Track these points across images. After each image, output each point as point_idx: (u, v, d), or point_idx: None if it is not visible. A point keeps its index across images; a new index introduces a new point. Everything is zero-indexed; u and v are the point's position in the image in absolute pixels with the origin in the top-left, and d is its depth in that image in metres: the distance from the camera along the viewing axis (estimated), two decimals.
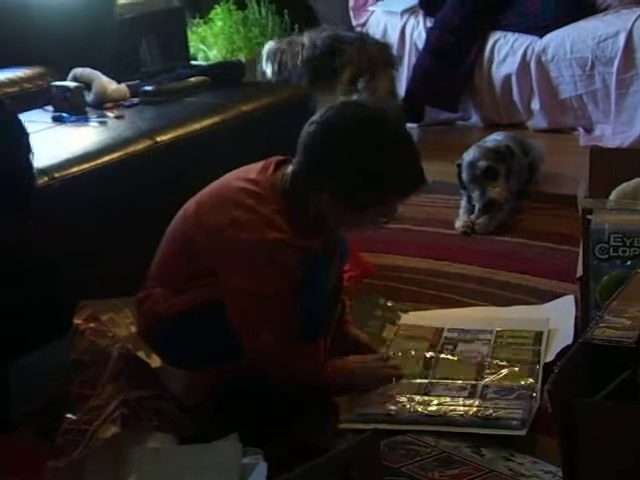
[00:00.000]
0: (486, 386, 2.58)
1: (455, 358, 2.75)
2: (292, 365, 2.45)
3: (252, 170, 2.51)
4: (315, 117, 2.45)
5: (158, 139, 3.06)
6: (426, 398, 2.54)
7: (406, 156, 2.43)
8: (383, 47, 5.18)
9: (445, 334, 2.89)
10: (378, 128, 2.42)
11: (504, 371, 2.65)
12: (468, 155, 3.99)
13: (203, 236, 2.45)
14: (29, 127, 3.20)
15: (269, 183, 2.45)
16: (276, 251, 2.37)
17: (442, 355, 2.76)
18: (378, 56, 5.05)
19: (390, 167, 2.40)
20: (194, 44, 5.38)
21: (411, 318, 3.02)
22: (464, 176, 3.97)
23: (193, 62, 4.71)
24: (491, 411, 2.43)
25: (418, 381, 2.64)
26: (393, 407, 2.50)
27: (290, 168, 2.47)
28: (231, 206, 2.42)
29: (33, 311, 2.65)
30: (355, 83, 4.94)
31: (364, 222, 2.56)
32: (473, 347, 2.81)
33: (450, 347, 2.81)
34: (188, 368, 2.57)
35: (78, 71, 3.50)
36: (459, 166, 3.99)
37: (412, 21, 5.67)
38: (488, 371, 2.66)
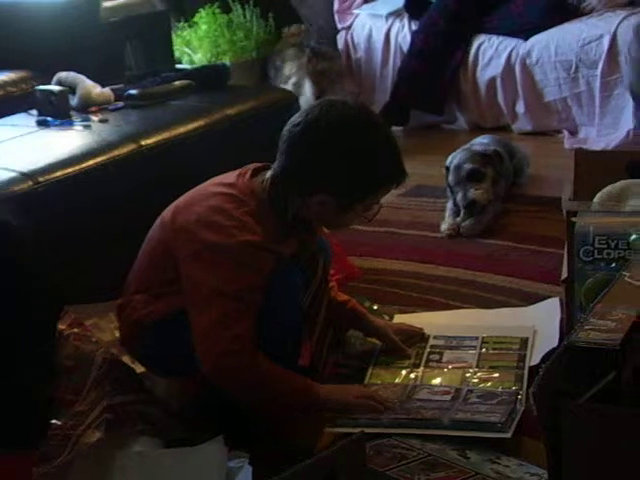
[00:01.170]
0: (470, 390, 2.58)
1: (442, 370, 2.74)
2: (254, 382, 2.39)
3: (229, 176, 2.50)
4: (298, 117, 2.42)
5: (143, 143, 3.06)
6: (409, 401, 2.55)
7: (391, 150, 2.44)
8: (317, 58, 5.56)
9: (431, 342, 2.88)
10: (365, 126, 2.41)
11: (490, 375, 2.65)
12: (455, 158, 4.00)
13: (178, 240, 2.44)
14: (13, 131, 3.20)
15: (247, 187, 2.44)
16: (245, 253, 2.35)
17: (428, 370, 2.74)
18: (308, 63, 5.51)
19: (379, 163, 2.40)
20: (179, 47, 5.38)
21: None
22: (450, 179, 3.97)
23: (178, 66, 4.72)
24: (468, 414, 2.43)
25: (402, 384, 2.65)
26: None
27: (269, 173, 2.46)
28: (206, 209, 2.41)
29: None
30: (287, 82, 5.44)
31: (348, 220, 2.53)
32: (459, 354, 2.80)
33: (436, 356, 2.81)
34: (170, 375, 2.56)
35: (62, 75, 3.49)
36: (447, 169, 3.99)
37: (397, 24, 5.68)
38: (474, 376, 2.66)
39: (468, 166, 3.93)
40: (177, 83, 3.62)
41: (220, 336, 2.33)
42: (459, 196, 3.92)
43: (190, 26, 5.60)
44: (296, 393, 2.44)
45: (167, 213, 2.53)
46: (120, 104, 3.46)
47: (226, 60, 5.30)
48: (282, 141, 2.42)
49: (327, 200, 2.40)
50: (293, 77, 5.50)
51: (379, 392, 2.59)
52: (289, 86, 5.38)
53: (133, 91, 3.49)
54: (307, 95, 5.39)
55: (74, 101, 3.41)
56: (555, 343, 2.70)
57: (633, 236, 2.52)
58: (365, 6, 5.89)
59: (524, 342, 2.80)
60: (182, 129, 3.22)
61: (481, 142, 4.20)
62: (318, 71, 5.53)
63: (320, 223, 2.54)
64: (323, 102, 2.47)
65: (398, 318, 3.06)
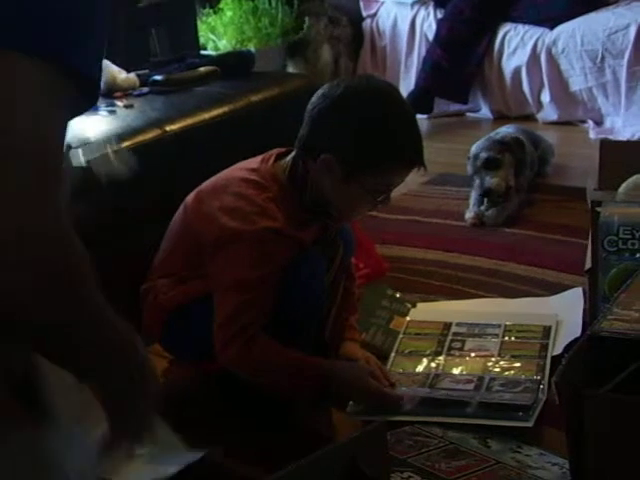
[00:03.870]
0: (493, 379, 2.58)
1: (463, 359, 2.74)
2: (262, 367, 2.38)
3: (253, 162, 2.50)
4: (324, 88, 2.43)
5: (167, 128, 3.06)
6: (432, 390, 2.55)
7: (410, 130, 2.41)
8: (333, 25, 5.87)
9: (453, 329, 2.88)
10: (387, 97, 2.40)
11: (512, 365, 2.65)
12: (475, 146, 3.99)
13: (201, 226, 2.45)
14: None
15: (269, 173, 2.44)
16: (265, 240, 2.34)
17: (449, 359, 2.74)
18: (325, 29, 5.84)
19: (393, 135, 2.36)
20: (204, 34, 5.39)
21: (420, 314, 3.01)
22: (469, 168, 3.97)
23: (203, 52, 4.72)
24: (495, 401, 2.43)
25: (424, 373, 2.65)
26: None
27: (292, 154, 2.47)
28: (229, 195, 2.42)
29: None
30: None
31: (355, 196, 2.44)
32: (481, 342, 2.80)
33: (458, 344, 2.81)
34: (193, 360, 2.57)
35: None
36: (469, 158, 3.99)
37: (422, 12, 5.68)
38: (496, 365, 2.66)
39: (484, 155, 3.92)
40: (202, 69, 3.62)
41: (232, 325, 2.34)
42: (476, 185, 3.91)
43: (215, 12, 5.60)
44: (304, 371, 2.40)
45: (191, 198, 2.54)
46: (145, 90, 3.46)
47: (251, 47, 5.31)
48: (305, 112, 2.43)
49: (333, 163, 2.36)
50: (312, 43, 5.69)
51: (401, 381, 2.59)
52: (309, 51, 5.65)
53: (158, 77, 3.50)
54: (325, 58, 5.65)
55: None
56: (578, 333, 2.69)
57: None
58: None
59: (547, 331, 2.80)
60: (206, 115, 3.22)
61: (505, 131, 4.18)
62: (335, 37, 5.78)
63: (331, 199, 2.46)
64: (350, 77, 2.46)
65: (420, 306, 3.06)
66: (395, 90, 2.50)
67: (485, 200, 3.87)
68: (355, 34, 5.94)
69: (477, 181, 3.91)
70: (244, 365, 2.37)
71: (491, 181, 3.87)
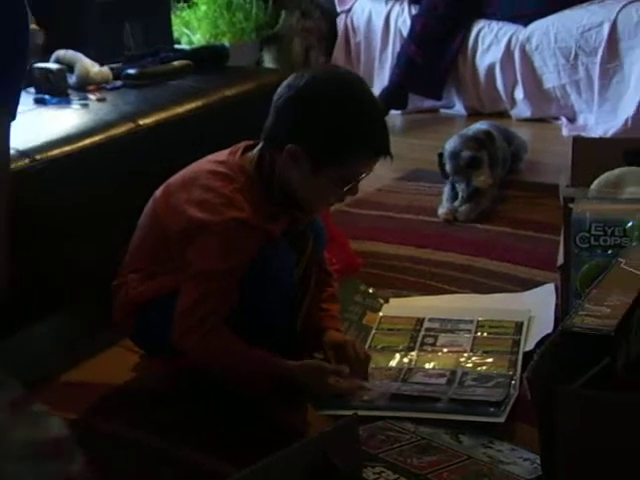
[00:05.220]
0: (465, 373, 2.59)
1: (436, 354, 2.74)
2: (217, 357, 2.40)
3: (221, 154, 2.51)
4: (289, 79, 2.42)
5: (140, 122, 3.05)
6: (405, 384, 2.55)
7: (375, 118, 2.41)
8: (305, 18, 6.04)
9: (426, 325, 2.88)
10: (350, 86, 2.40)
11: (484, 360, 2.66)
12: (450, 145, 3.98)
13: (169, 219, 2.45)
14: None
15: (236, 165, 2.44)
16: (232, 231, 2.35)
17: (422, 354, 2.74)
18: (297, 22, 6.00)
19: (359, 125, 2.36)
20: (178, 28, 5.38)
21: (392, 309, 3.01)
22: (448, 167, 3.95)
23: (177, 46, 4.71)
24: (467, 397, 2.43)
25: (397, 368, 2.65)
26: (369, 395, 2.50)
27: (259, 147, 2.47)
28: (196, 187, 2.42)
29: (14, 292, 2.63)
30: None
31: (326, 191, 2.45)
32: (454, 337, 2.81)
33: (431, 339, 2.81)
34: (164, 356, 2.56)
35: (61, 53, 3.47)
36: (440, 156, 3.97)
37: (397, 8, 5.67)
38: (468, 360, 2.67)
39: (466, 154, 3.90)
40: (176, 63, 3.61)
41: (191, 316, 2.36)
42: (461, 186, 3.89)
43: (189, 7, 5.59)
44: (257, 363, 2.41)
45: (159, 192, 2.54)
46: (118, 83, 3.45)
47: (225, 41, 5.30)
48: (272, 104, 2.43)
49: (300, 154, 2.36)
50: (285, 35, 5.84)
51: (374, 376, 2.59)
52: (283, 44, 5.85)
53: (131, 70, 3.48)
54: (297, 49, 5.83)
55: (72, 79, 3.40)
56: (550, 329, 2.70)
57: (629, 223, 2.52)
58: None
59: (519, 327, 2.80)
60: (180, 109, 3.21)
61: (478, 127, 4.18)
62: (306, 29, 5.93)
63: (296, 191, 2.46)
64: (313, 67, 2.47)
65: (393, 302, 3.06)
66: (358, 79, 2.50)
67: (460, 196, 3.87)
68: (330, 29, 5.95)
69: (462, 182, 3.88)
70: (200, 356, 2.39)
71: (478, 180, 3.86)
